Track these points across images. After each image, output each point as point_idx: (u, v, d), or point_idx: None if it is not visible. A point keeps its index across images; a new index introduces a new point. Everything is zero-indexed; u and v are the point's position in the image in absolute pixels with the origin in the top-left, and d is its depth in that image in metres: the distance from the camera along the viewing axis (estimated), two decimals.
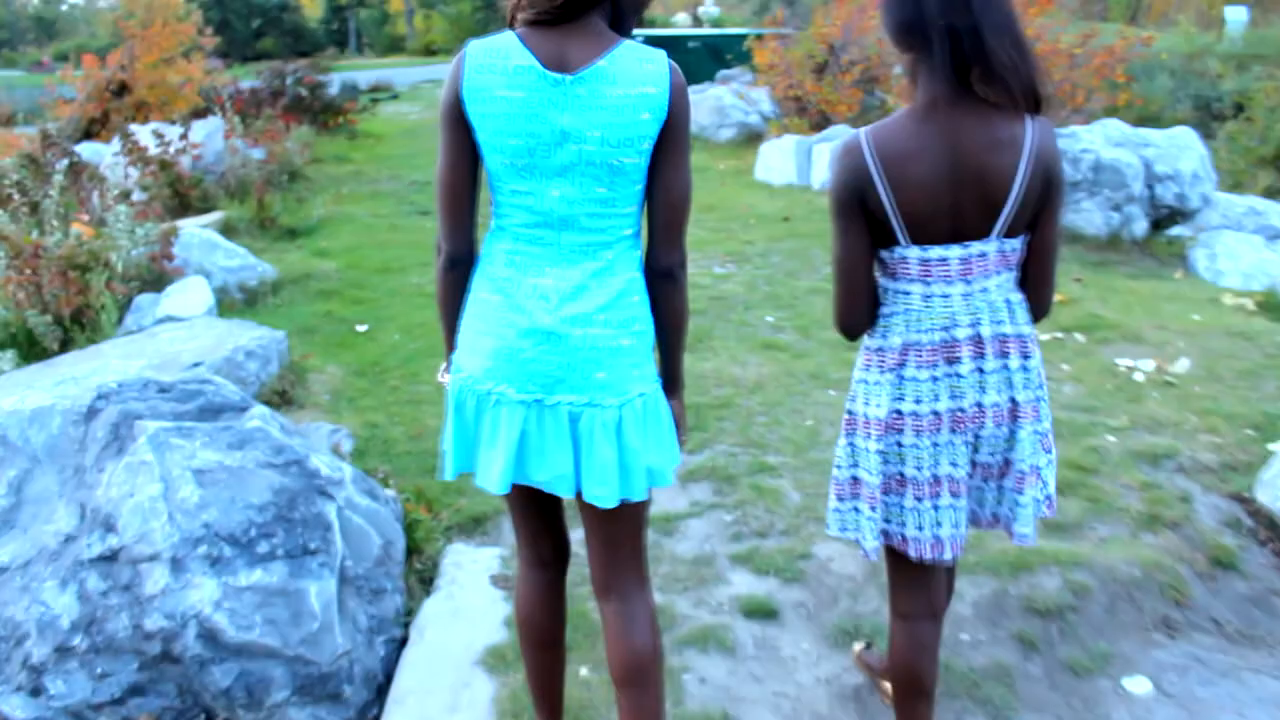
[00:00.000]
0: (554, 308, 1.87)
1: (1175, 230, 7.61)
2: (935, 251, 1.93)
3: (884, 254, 1.99)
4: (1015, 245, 1.95)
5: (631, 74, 1.79)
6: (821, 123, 11.45)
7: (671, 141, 1.84)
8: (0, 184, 7.88)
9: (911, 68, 1.94)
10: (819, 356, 4.97)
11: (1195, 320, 5.57)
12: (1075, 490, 3.65)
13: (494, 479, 1.94)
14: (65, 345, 5.09)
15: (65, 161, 8.19)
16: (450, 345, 2.05)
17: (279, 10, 68.06)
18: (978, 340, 1.96)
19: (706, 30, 26.50)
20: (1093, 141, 7.42)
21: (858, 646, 2.80)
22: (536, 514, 2.17)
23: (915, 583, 2.18)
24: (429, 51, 47.84)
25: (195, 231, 6.19)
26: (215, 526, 2.78)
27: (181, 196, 8.23)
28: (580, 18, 1.81)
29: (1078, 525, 3.45)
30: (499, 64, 1.80)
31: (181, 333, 4.80)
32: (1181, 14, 29.16)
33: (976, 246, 1.92)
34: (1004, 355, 1.97)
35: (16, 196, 6.21)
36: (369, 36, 66.33)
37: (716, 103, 12.99)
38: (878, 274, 2.03)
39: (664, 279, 1.94)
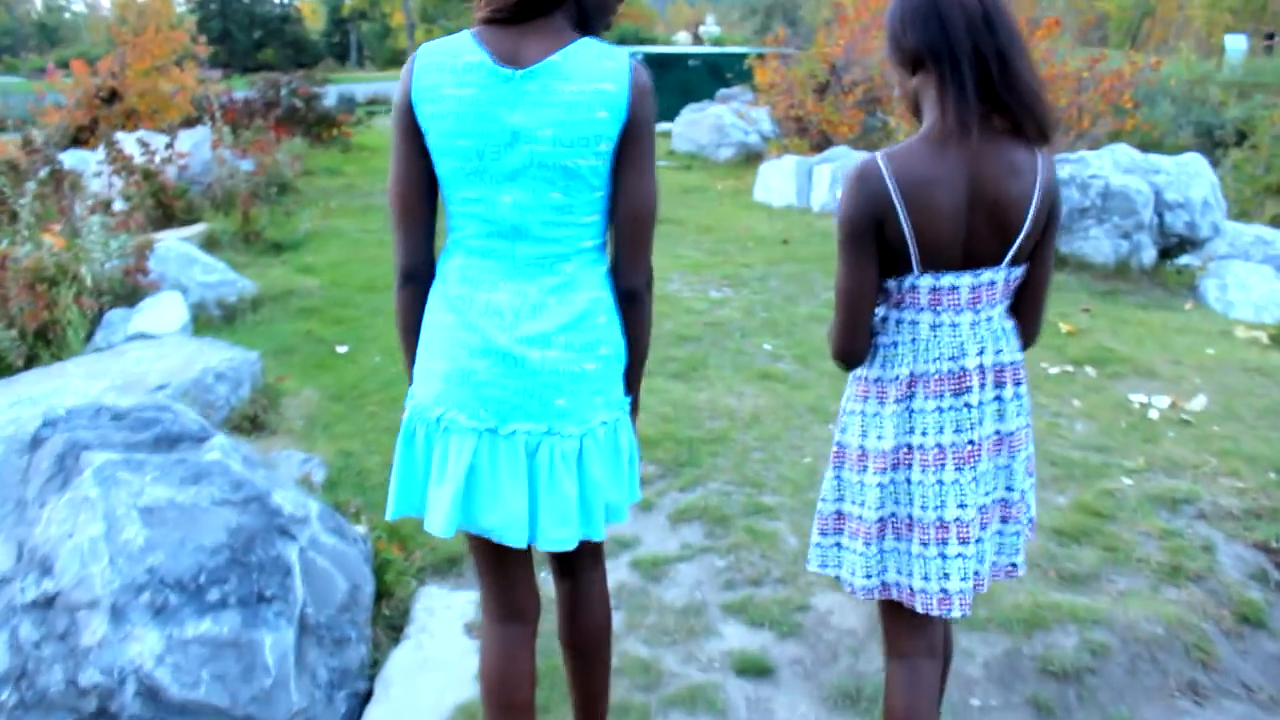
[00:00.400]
0: (509, 325, 1.73)
1: (1184, 259, 7.42)
2: (947, 279, 1.85)
3: (890, 283, 1.89)
4: (1019, 274, 1.91)
5: (587, 70, 1.66)
6: (822, 143, 11.28)
7: (633, 145, 1.70)
8: None
9: (916, 91, 1.87)
10: (818, 388, 4.75)
11: (1209, 354, 5.36)
12: (1091, 538, 3.43)
13: (440, 521, 1.76)
14: (31, 362, 4.86)
15: (46, 169, 7.99)
16: (411, 372, 1.88)
17: (280, 22, 68.17)
18: (982, 370, 1.90)
19: (707, 49, 26.41)
20: (1102, 167, 7.23)
21: None
22: (502, 559, 1.91)
23: (915, 623, 2.02)
24: None
25: (173, 245, 5.97)
26: (161, 571, 2.54)
27: (165, 207, 8.02)
28: (540, 17, 1.68)
29: (1094, 576, 3.22)
30: (449, 61, 1.69)
31: (150, 351, 4.57)
32: (1182, 41, 29.19)
33: (987, 275, 1.86)
34: (1000, 385, 1.92)
35: None
36: (370, 49, 66.44)
37: (716, 122, 12.82)
38: (879, 303, 1.95)
39: (626, 300, 1.81)
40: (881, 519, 1.94)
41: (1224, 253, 7.39)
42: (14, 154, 8.39)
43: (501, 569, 1.93)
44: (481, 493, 1.75)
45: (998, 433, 1.92)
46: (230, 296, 5.90)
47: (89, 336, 5.07)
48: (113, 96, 11.38)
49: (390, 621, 3.12)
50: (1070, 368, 5.08)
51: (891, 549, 1.96)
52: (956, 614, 1.92)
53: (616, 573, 3.26)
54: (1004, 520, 2.00)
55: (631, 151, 1.70)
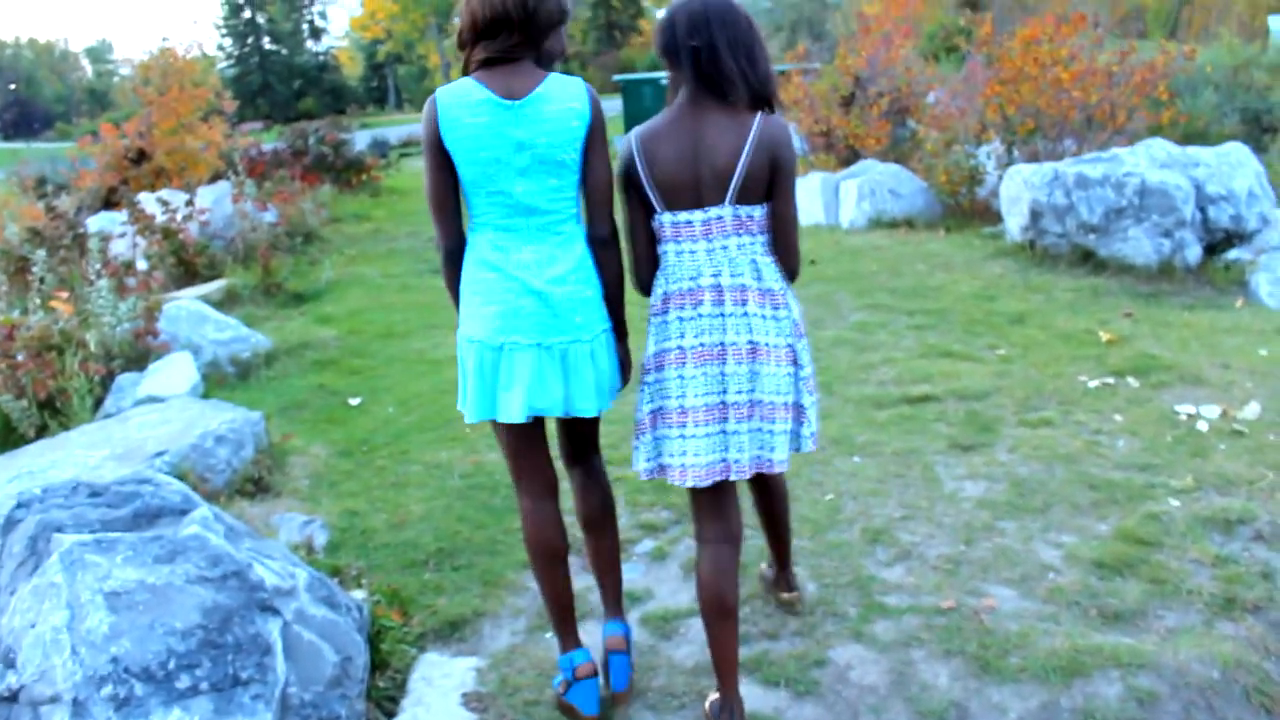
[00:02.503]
0: (538, 274, 2.44)
1: (1232, 254, 7.07)
2: (683, 216, 2.44)
3: (652, 222, 2.49)
4: (750, 212, 2.43)
5: (561, 95, 2.43)
6: (850, 157, 11.06)
7: (595, 140, 2.47)
8: (10, 258, 7.74)
9: (674, 80, 2.48)
10: (843, 417, 4.53)
11: (1262, 356, 5.04)
12: (1135, 569, 3.17)
13: (515, 410, 2.44)
14: (41, 431, 4.81)
15: (70, 234, 8.04)
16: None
17: (319, 71, 69.40)
18: (718, 289, 2.41)
19: None
20: (1137, 164, 6.93)
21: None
22: (537, 450, 2.65)
23: (712, 511, 2.56)
24: None
25: (185, 304, 5.91)
26: (126, 660, 2.40)
27: (187, 264, 8.02)
28: (518, 61, 2.43)
29: (1139, 613, 2.96)
30: (463, 100, 2.40)
31: (154, 416, 4.49)
32: (1223, 26, 28.45)
33: (714, 211, 2.42)
34: (743, 303, 2.40)
35: (1, 279, 5.98)
36: (408, 92, 67.33)
37: None
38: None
39: (603, 245, 2.55)
40: (651, 412, 2.50)
41: (1276, 244, 7.04)
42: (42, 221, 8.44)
43: (534, 454, 2.65)
44: (536, 387, 2.45)
45: (751, 343, 2.40)
46: (244, 353, 5.83)
47: (99, 402, 5.00)
48: (141, 156, 11.50)
49: (385, 694, 2.95)
50: (1110, 379, 4.80)
51: (654, 434, 2.51)
52: (690, 483, 2.44)
53: None
54: (762, 419, 2.43)
55: (595, 144, 2.47)
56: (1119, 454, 4.01)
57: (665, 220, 2.45)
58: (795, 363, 2.47)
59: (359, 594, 3.35)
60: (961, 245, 8.06)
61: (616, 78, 22.84)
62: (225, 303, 7.34)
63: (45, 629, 2.44)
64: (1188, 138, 9.26)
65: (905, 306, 6.30)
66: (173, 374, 5.20)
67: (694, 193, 2.40)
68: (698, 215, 2.42)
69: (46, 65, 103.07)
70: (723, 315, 2.40)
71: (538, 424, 2.60)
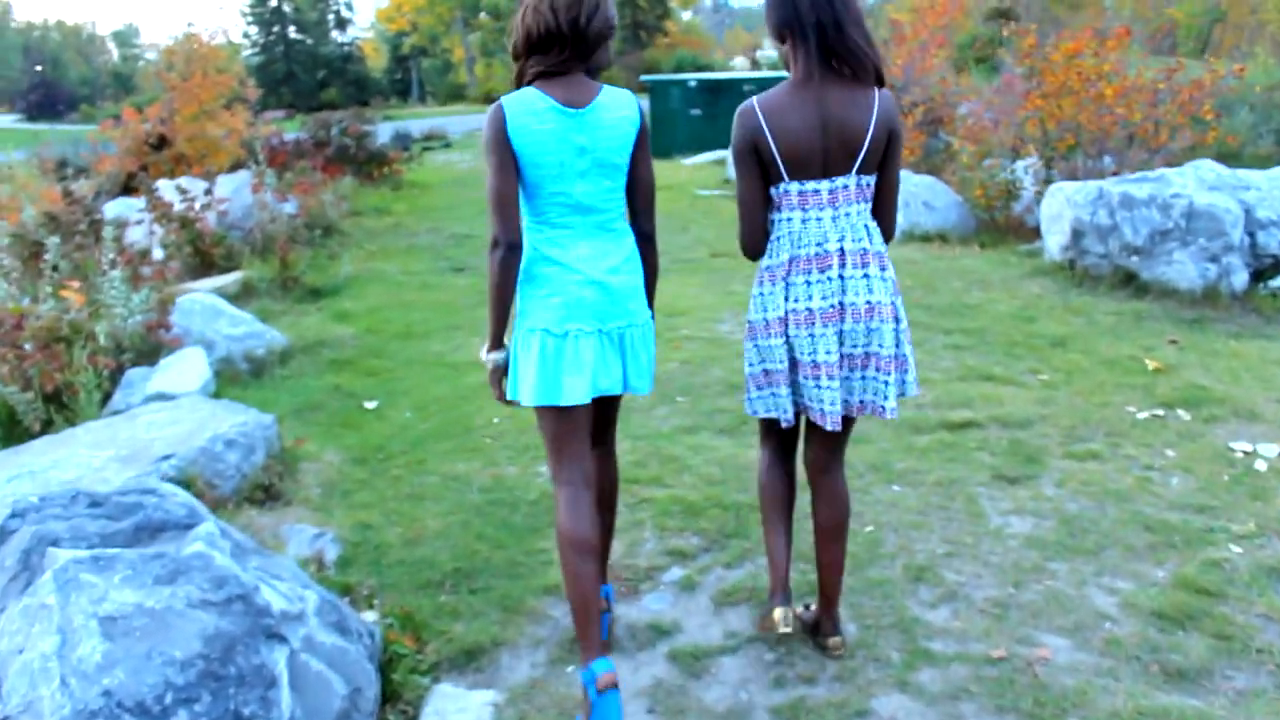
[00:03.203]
0: (596, 265, 2.61)
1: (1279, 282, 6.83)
2: (810, 185, 2.57)
3: (771, 190, 2.64)
4: (868, 181, 2.59)
5: (617, 105, 2.64)
6: None
7: (643, 146, 2.69)
8: (24, 243, 7.58)
9: (789, 53, 2.58)
10: (880, 442, 4.33)
11: None
12: (1198, 622, 2.96)
13: (580, 393, 2.60)
14: (47, 426, 4.65)
15: (86, 220, 7.89)
16: (499, 326, 2.67)
17: (343, 61, 69.38)
18: (842, 253, 2.58)
19: (762, 73, 26.06)
20: (1184, 186, 6.70)
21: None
22: (581, 439, 2.73)
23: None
24: (489, 99, 48.11)
25: (199, 297, 5.75)
26: (119, 694, 2.23)
27: (203, 255, 7.87)
28: (571, 73, 2.60)
29: (1205, 671, 2.76)
30: (530, 108, 2.56)
31: (164, 415, 4.32)
32: (1257, 45, 28.05)
33: (840, 181, 2.57)
34: (864, 265, 2.58)
35: (15, 265, 5.82)
36: (431, 85, 67.28)
37: None
38: (770, 210, 2.67)
39: (646, 240, 2.77)
40: (781, 366, 2.68)
41: None
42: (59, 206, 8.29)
43: (578, 442, 2.73)
44: (600, 370, 2.64)
45: (868, 303, 2.59)
46: (258, 349, 5.66)
47: (107, 397, 4.84)
48: (161, 142, 11.37)
49: None
50: (1160, 411, 4.59)
51: (793, 384, 2.70)
52: (827, 427, 2.65)
53: (653, 666, 2.89)
54: (877, 370, 2.65)
55: (642, 149, 2.69)
56: (1173, 493, 3.80)
57: (792, 189, 2.59)
58: (897, 318, 2.66)
59: (370, 616, 3.17)
60: (998, 262, 7.84)
61: (644, 78, 22.63)
62: (241, 296, 7.18)
63: (34, 655, 2.27)
64: (1221, 158, 9.00)
65: (942, 325, 6.09)
66: (184, 370, 5.03)
67: (821, 163, 2.55)
68: (824, 184, 2.57)
69: (73, 48, 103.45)
70: (843, 278, 2.59)
71: (584, 413, 2.71)
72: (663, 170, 17.40)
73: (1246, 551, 3.35)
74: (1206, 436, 4.31)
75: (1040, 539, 3.49)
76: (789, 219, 2.61)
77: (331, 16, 72.18)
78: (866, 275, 2.59)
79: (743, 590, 3.25)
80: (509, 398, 2.72)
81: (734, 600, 3.20)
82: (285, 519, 3.86)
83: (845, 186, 2.57)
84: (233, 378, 5.46)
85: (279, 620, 2.57)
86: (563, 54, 2.57)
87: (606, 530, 3.04)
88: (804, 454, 2.88)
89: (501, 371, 2.71)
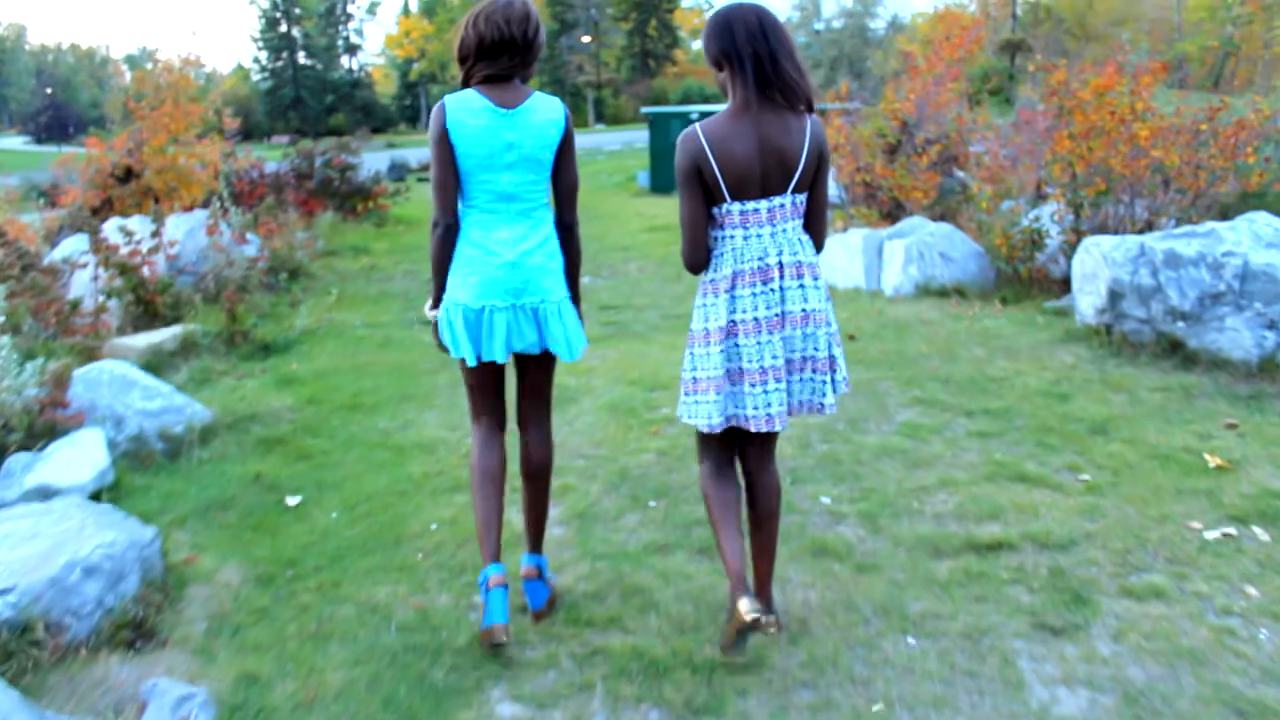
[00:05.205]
0: (513, 248, 3.06)
1: None
2: (751, 205, 2.83)
3: (715, 210, 2.88)
4: (801, 199, 2.88)
5: (544, 109, 3.08)
6: (894, 210, 10.10)
7: (566, 147, 3.13)
8: None
9: (727, 81, 2.83)
10: (892, 569, 3.55)
11: None
12: None
13: (497, 352, 3.10)
14: None
15: (20, 266, 7.18)
16: (439, 290, 3.17)
17: (351, 87, 69.32)
18: (781, 267, 2.84)
19: None
20: (1238, 243, 5.93)
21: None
22: (496, 389, 3.29)
23: (760, 453, 3.10)
24: None
25: (109, 365, 5.01)
26: None
27: (147, 304, 7.14)
28: (510, 80, 3.07)
29: None
30: (467, 106, 3.01)
31: (25, 524, 3.56)
32: (1276, 79, 27.33)
33: (778, 200, 2.83)
34: (799, 276, 2.85)
35: None
36: None
37: None
38: (711, 227, 2.91)
39: (567, 230, 3.22)
40: (727, 372, 2.89)
41: None
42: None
43: (493, 391, 3.29)
44: (514, 335, 3.11)
45: (804, 310, 2.86)
46: (176, 427, 4.92)
47: None
48: (128, 174, 10.68)
49: None
50: (1231, 529, 3.80)
51: (730, 393, 2.90)
52: (777, 428, 2.89)
53: None
54: (813, 371, 2.92)
55: (566, 150, 3.13)
56: (1264, 654, 3.00)
57: (734, 209, 2.82)
58: (828, 322, 2.93)
59: None
60: (1023, 323, 7.06)
61: (645, 110, 22.01)
62: (180, 352, 6.46)
63: None
64: (1243, 199, 8.25)
65: (963, 404, 5.31)
66: (75, 458, 4.29)
67: (760, 184, 2.79)
68: (764, 204, 2.81)
69: (86, 70, 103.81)
70: (783, 289, 2.83)
71: (497, 369, 3.25)
72: (662, 207, 16.73)
73: None
74: None
75: None
76: (732, 236, 2.86)
77: (341, 43, 72.18)
78: (802, 285, 2.85)
79: None
80: (443, 343, 3.19)
81: None
82: (153, 669, 3.10)
83: (782, 205, 2.83)
84: (143, 460, 4.71)
85: None
86: (511, 61, 3.02)
87: (537, 505, 3.37)
88: (740, 459, 3.11)
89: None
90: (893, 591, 3.40)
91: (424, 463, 4.72)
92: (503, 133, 2.98)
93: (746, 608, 2.77)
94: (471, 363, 3.11)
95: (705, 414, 2.91)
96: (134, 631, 3.28)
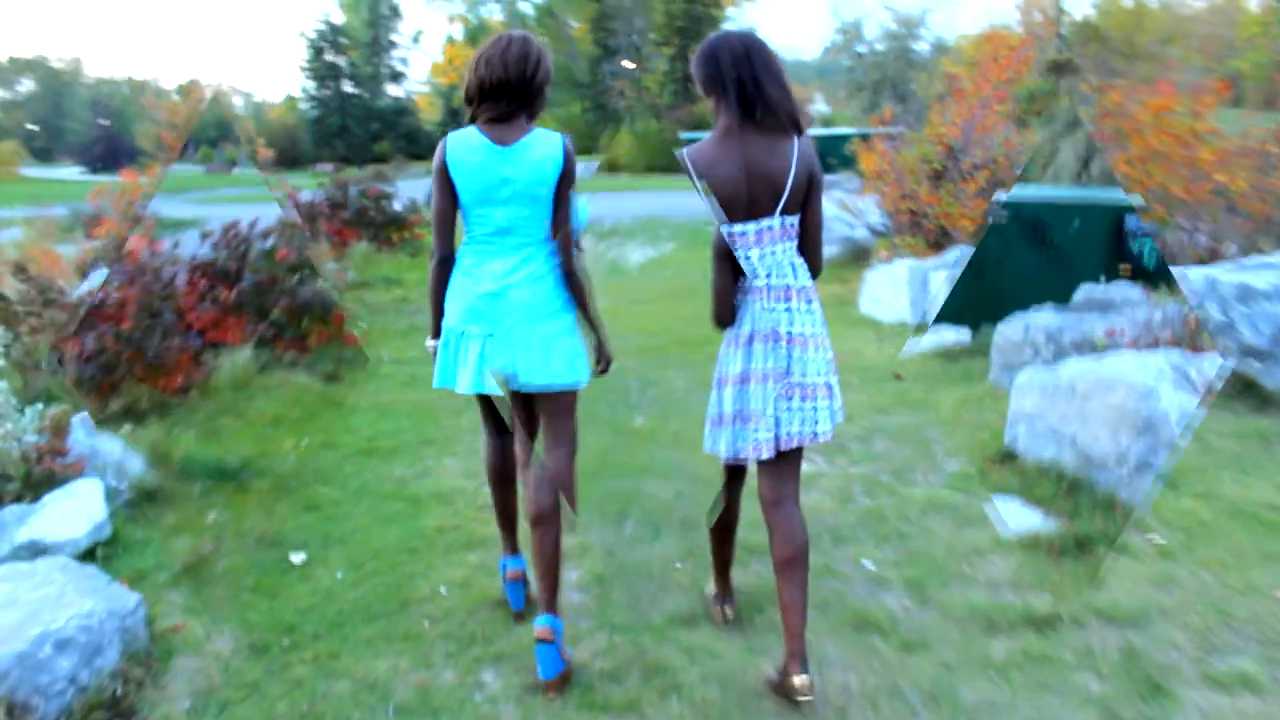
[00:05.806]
0: (499, 280, 3.10)
1: None
2: (738, 227, 2.83)
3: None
4: (792, 221, 2.87)
5: (542, 145, 3.11)
6: (940, 238, 9.70)
7: (566, 183, 3.14)
8: None
9: (714, 106, 2.85)
10: (941, 648, 3.20)
11: None
12: None
13: (466, 384, 3.14)
14: None
15: (41, 300, 7.03)
16: (436, 320, 3.28)
17: (396, 115, 69.96)
18: (768, 288, 2.85)
19: (812, 130, 25.17)
20: None
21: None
22: (491, 408, 3.43)
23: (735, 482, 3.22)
24: None
25: None
26: None
27: None
28: (514, 118, 3.12)
29: None
30: (466, 144, 3.10)
31: (3, 589, 3.32)
32: None
33: (765, 222, 2.83)
34: (786, 300, 2.85)
35: None
36: None
37: None
38: None
39: (568, 273, 3.20)
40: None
41: None
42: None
43: (490, 419, 3.48)
44: (486, 365, 3.10)
45: (789, 333, 2.86)
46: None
47: None
48: None
49: None
50: None
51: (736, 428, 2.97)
52: (765, 456, 2.88)
53: None
54: (803, 399, 2.88)
55: (565, 187, 3.14)
56: None
57: (721, 231, 2.85)
58: (821, 348, 2.91)
59: None
60: None
61: (683, 135, 21.85)
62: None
63: None
64: None
65: None
66: (71, 510, 4.07)
67: (746, 206, 2.80)
68: (750, 226, 2.82)
69: (140, 102, 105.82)
70: (770, 309, 2.86)
71: (486, 399, 3.39)
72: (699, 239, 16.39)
73: None
74: None
75: None
76: None
77: (386, 70, 73.03)
78: (789, 309, 2.86)
79: None
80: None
81: None
82: None
83: (770, 227, 2.84)
84: (145, 510, 4.47)
85: None
86: (511, 103, 3.09)
87: (547, 554, 3.22)
88: (757, 492, 3.02)
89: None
90: (943, 675, 3.05)
91: (439, 515, 4.43)
92: (499, 168, 3.06)
93: (801, 684, 2.81)
94: (437, 386, 3.24)
95: (732, 445, 2.99)
96: (109, 711, 3.01)
